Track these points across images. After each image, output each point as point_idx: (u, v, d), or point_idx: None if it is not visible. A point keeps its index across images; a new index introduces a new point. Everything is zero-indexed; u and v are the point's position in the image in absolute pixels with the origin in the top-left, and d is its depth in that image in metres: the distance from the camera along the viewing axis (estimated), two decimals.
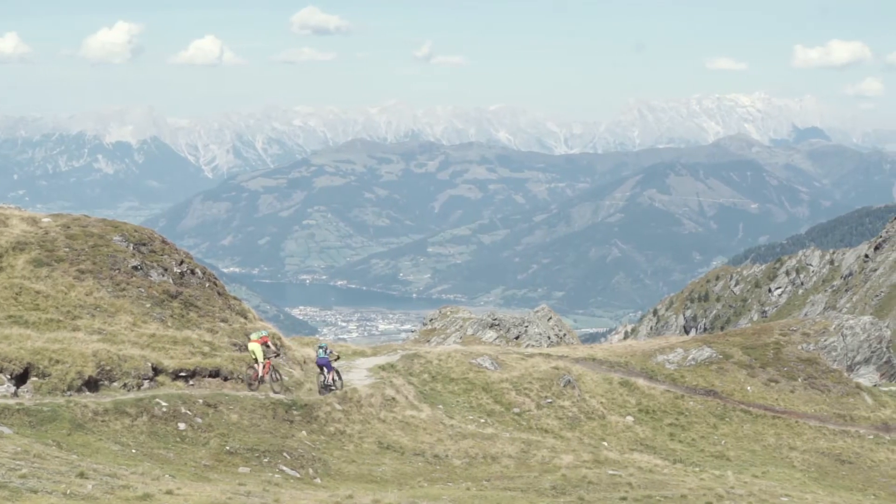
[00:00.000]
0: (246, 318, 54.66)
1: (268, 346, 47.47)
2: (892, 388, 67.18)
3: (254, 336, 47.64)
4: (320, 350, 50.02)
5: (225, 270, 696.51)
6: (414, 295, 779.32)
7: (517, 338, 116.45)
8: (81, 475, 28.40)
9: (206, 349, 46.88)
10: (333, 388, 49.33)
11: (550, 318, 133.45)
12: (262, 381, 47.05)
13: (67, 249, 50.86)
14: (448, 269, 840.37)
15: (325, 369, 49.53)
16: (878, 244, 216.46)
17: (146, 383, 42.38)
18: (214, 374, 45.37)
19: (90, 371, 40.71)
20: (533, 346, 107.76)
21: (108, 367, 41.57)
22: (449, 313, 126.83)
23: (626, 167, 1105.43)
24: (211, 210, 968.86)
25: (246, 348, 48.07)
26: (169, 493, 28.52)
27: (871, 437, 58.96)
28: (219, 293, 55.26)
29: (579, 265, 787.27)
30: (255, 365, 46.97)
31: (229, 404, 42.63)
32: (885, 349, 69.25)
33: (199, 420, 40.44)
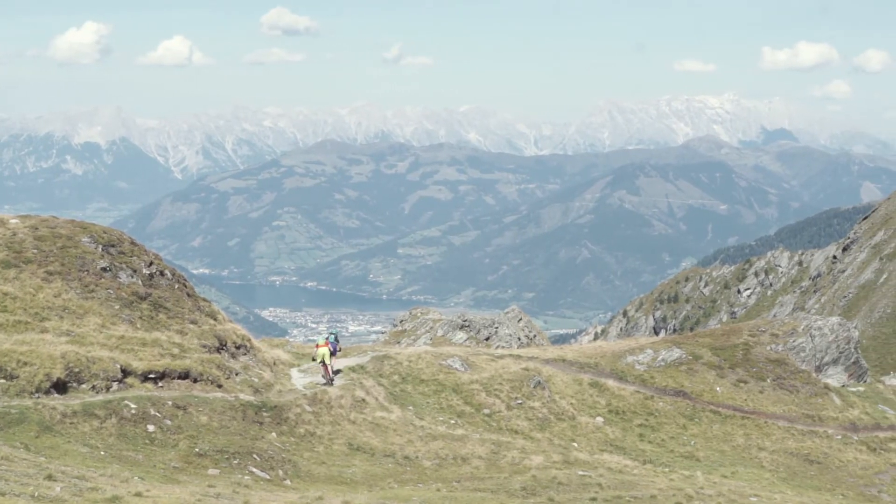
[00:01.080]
0: (215, 319, 54.45)
1: (328, 349, 53.19)
2: (860, 389, 67.50)
3: (320, 341, 53.78)
4: (332, 338, 54.75)
5: (194, 272, 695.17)
6: (384, 296, 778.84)
7: (487, 339, 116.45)
8: (50, 477, 28.24)
9: (176, 351, 46.68)
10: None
11: (520, 319, 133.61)
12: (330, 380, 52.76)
13: (35, 251, 50.53)
14: (418, 271, 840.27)
15: (334, 353, 54.26)
16: (846, 245, 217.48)
17: (115, 385, 42.12)
18: (184, 375, 45.17)
19: (58, 373, 40.45)
20: (503, 347, 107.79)
21: (76, 369, 41.32)
22: (419, 315, 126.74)
23: (595, 168, 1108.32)
24: (180, 211, 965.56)
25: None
26: (138, 495, 28.39)
27: (840, 437, 59.24)
28: (188, 295, 55.04)
29: (549, 266, 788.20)
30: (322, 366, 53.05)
31: (199, 406, 42.48)
32: (853, 350, 69.54)
33: (169, 422, 40.27)
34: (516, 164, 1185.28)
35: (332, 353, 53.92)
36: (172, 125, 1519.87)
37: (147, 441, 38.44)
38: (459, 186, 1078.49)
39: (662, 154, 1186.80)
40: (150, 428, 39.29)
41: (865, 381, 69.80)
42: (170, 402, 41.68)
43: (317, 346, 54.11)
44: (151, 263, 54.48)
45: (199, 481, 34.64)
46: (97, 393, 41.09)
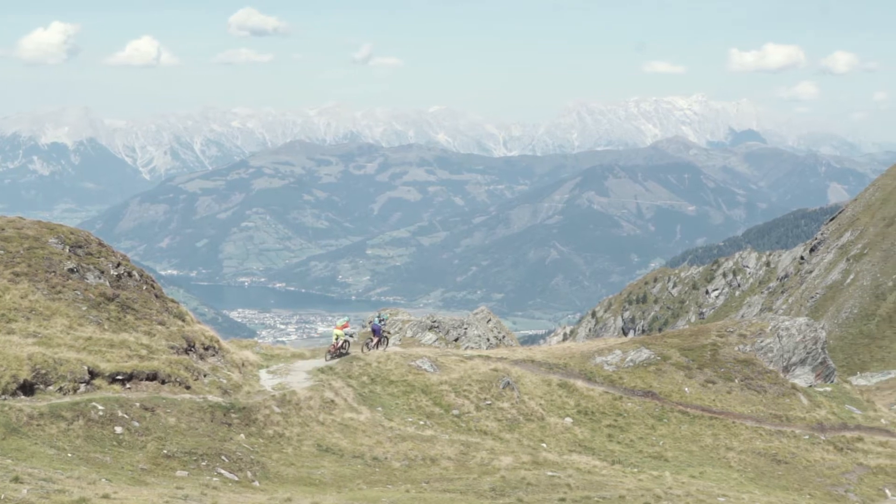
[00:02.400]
0: (184, 320, 54.24)
1: (346, 331, 61.08)
2: (828, 389, 67.84)
3: (339, 322, 61.70)
4: (377, 319, 65.09)
5: (162, 273, 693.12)
6: (353, 297, 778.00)
7: (456, 340, 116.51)
8: (16, 479, 28.09)
9: (144, 352, 46.45)
10: (372, 348, 62.44)
11: (489, 319, 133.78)
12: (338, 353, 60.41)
13: (2, 252, 50.21)
14: (387, 272, 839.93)
15: (375, 335, 63.64)
16: (813, 246, 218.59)
17: (82, 387, 41.90)
18: (152, 377, 44.95)
19: (25, 375, 40.20)
20: (472, 348, 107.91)
21: (43, 371, 41.09)
22: (388, 316, 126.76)
23: (564, 169, 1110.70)
24: (148, 212, 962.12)
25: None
26: (105, 497, 28.27)
27: (807, 437, 59.51)
28: (156, 296, 54.80)
29: (518, 267, 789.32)
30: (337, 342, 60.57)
31: (167, 408, 42.32)
32: (820, 350, 69.86)
33: (137, 424, 40.09)
34: (485, 165, 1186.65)
35: (378, 331, 64.02)
36: (140, 126, 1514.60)
37: (115, 443, 38.25)
38: (428, 187, 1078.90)
39: (631, 155, 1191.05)
40: (118, 430, 39.11)
41: (832, 382, 70.11)
42: (138, 404, 41.50)
43: (336, 326, 61.39)
44: (119, 264, 54.23)
45: (167, 483, 34.52)
46: (64, 394, 40.86)
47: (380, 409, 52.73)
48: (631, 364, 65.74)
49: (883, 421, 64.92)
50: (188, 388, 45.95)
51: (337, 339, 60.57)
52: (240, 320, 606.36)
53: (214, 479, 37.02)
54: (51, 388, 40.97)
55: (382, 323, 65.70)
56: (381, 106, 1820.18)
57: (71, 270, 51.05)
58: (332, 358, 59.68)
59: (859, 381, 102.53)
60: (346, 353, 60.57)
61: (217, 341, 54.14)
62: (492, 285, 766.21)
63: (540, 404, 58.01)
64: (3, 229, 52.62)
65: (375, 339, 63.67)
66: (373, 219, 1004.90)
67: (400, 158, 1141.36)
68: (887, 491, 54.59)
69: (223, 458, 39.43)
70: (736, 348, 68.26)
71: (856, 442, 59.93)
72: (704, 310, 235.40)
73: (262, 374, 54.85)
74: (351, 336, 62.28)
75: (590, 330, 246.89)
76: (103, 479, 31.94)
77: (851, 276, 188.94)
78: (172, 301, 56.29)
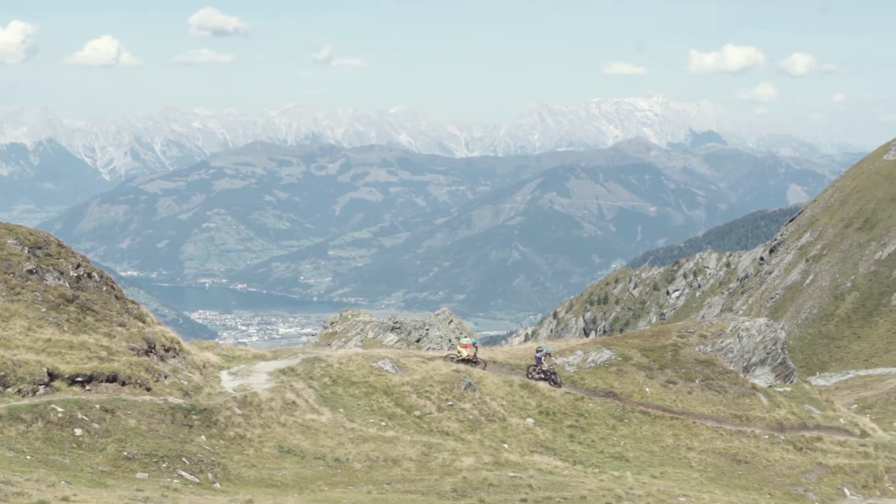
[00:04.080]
0: (144, 322, 53.97)
1: (470, 350, 64.57)
2: (787, 389, 68.19)
3: (463, 340, 66.53)
4: (538, 352, 64.42)
5: (123, 274, 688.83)
6: (314, 298, 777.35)
7: (418, 341, 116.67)
8: None
9: (104, 354, 46.20)
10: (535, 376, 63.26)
11: (451, 320, 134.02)
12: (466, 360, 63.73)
13: None
14: (349, 273, 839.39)
15: (537, 362, 63.71)
16: (773, 247, 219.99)
17: (42, 389, 41.64)
18: (112, 378, 44.71)
19: None
20: (434, 348, 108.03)
21: (1, 373, 40.83)
22: (350, 317, 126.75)
23: (526, 170, 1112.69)
24: (108, 213, 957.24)
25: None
26: (65, 499, 28.12)
27: (767, 437, 59.81)
28: (116, 297, 54.49)
29: (480, 268, 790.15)
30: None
31: (127, 409, 42.11)
32: (780, 350, 70.20)
33: (97, 425, 39.88)
34: (447, 165, 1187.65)
35: (538, 364, 63.74)
36: (100, 126, 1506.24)
37: (74, 445, 38.04)
38: (390, 188, 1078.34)
39: (592, 156, 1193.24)
40: (78, 432, 38.89)
41: (792, 382, 70.49)
42: (97, 406, 41.28)
43: (461, 345, 65.83)
44: (79, 265, 53.90)
45: (128, 485, 34.36)
46: (23, 396, 40.61)
47: (341, 410, 52.64)
48: (592, 365, 65.90)
49: (842, 421, 65.37)
50: (149, 389, 45.73)
51: (458, 354, 64.79)
52: (201, 322, 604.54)
53: (175, 480, 36.87)
54: (9, 389, 40.71)
55: (544, 355, 63.81)
56: (342, 107, 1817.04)
57: (30, 272, 50.71)
58: (457, 362, 63.54)
59: (819, 381, 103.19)
60: (476, 362, 64.06)
61: (178, 343, 53.90)
62: (453, 286, 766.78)
63: (501, 405, 58.06)
64: None
65: (537, 368, 63.58)
66: (334, 220, 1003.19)
67: (362, 159, 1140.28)
68: (846, 490, 54.97)
69: (184, 459, 39.27)
70: (696, 349, 68.55)
71: (815, 442, 60.30)
72: (665, 310, 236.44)
73: (224, 375, 54.63)
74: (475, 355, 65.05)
75: (551, 331, 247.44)
76: (63, 482, 31.76)
77: (811, 277, 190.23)
78: (133, 302, 56.00)
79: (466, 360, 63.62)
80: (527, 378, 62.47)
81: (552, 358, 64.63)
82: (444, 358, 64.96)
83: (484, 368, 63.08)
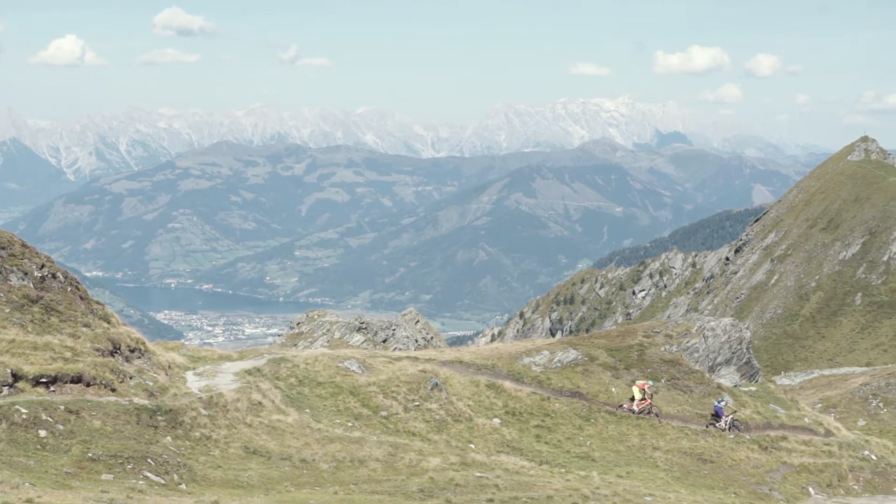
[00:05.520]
0: (109, 322, 53.68)
1: (645, 391, 61.46)
2: (752, 389, 68.47)
3: (638, 382, 62.22)
4: (716, 402, 62.00)
5: (88, 274, 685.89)
6: (281, 299, 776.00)
7: (385, 341, 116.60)
8: None
9: (68, 355, 45.93)
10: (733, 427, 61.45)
11: (418, 321, 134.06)
12: (635, 412, 61.00)
13: None
14: (315, 273, 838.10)
15: (718, 414, 61.39)
16: (738, 247, 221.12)
17: (5, 390, 41.36)
18: (77, 379, 44.45)
19: None
20: (400, 349, 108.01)
21: None
22: (316, 317, 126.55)
23: (492, 171, 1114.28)
24: (73, 213, 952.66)
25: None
26: (29, 501, 27.97)
27: (732, 436, 60.09)
28: (81, 298, 54.18)
29: (446, 268, 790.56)
30: (631, 402, 61.46)
31: (92, 410, 41.87)
32: (745, 350, 70.48)
33: (61, 427, 39.64)
34: (413, 166, 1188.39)
35: (720, 412, 61.32)
36: (65, 126, 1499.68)
37: (39, 446, 37.80)
38: (356, 188, 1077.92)
39: (559, 156, 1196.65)
40: (42, 433, 38.66)
41: (757, 381, 70.77)
42: (62, 407, 41.04)
43: (638, 385, 62.18)
44: (43, 266, 53.58)
45: (93, 487, 34.19)
46: None
47: (308, 410, 52.52)
48: (558, 365, 65.98)
49: (807, 420, 65.71)
50: (114, 390, 45.48)
51: (634, 398, 61.69)
52: (166, 322, 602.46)
53: (140, 482, 36.71)
54: None
55: (723, 404, 61.88)
56: (309, 107, 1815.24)
57: None
58: (636, 414, 61.10)
59: (783, 380, 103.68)
60: (657, 414, 61.25)
61: (143, 343, 53.63)
62: (420, 286, 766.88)
63: (468, 405, 58.06)
64: None
65: (721, 420, 61.37)
66: (301, 220, 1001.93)
67: (328, 159, 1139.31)
68: (811, 489, 55.27)
69: (149, 461, 39.09)
70: (662, 349, 68.75)
71: (780, 441, 60.59)
72: (631, 310, 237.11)
73: (189, 376, 54.38)
74: (651, 395, 62.26)
75: (518, 331, 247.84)
76: (27, 483, 31.58)
77: (776, 277, 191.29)
78: (98, 303, 55.69)
79: (639, 410, 61.29)
80: (706, 428, 60.94)
81: (730, 406, 62.96)
82: (618, 407, 61.65)
83: (657, 416, 60.96)
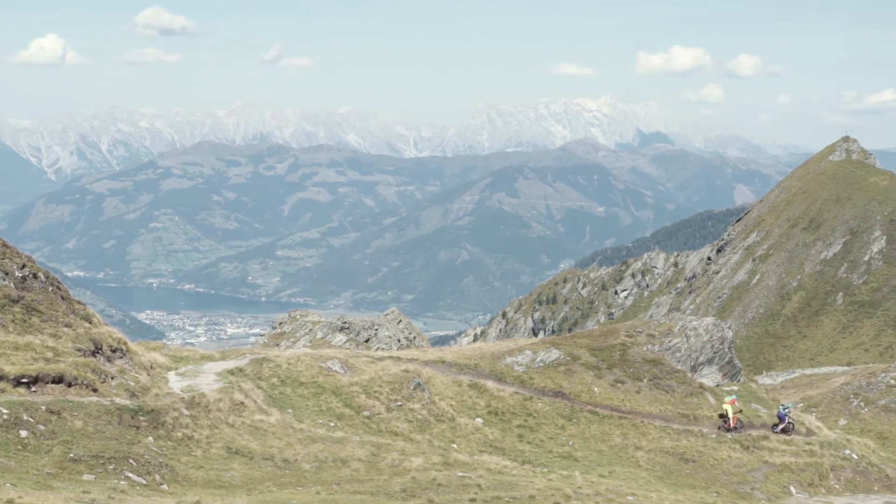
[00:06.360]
0: (91, 322, 53.50)
1: (735, 405, 62.28)
2: (734, 388, 68.57)
3: (727, 399, 62.57)
4: (781, 407, 64.39)
5: (69, 274, 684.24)
6: (263, 298, 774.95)
7: (367, 341, 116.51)
8: None
9: (50, 355, 45.77)
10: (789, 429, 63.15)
11: (400, 321, 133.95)
12: (730, 429, 61.23)
13: None
14: (297, 273, 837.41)
15: (781, 421, 63.12)
16: (720, 247, 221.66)
17: None
18: (58, 380, 44.30)
19: None
20: (383, 349, 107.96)
21: None
22: (298, 317, 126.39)
23: (475, 171, 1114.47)
24: (54, 213, 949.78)
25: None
26: (10, 502, 27.87)
27: (714, 435, 60.19)
28: (62, 298, 54.00)
29: (429, 268, 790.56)
30: (726, 418, 61.80)
31: (73, 411, 41.74)
32: (727, 350, 70.58)
33: (42, 427, 39.51)
34: (396, 165, 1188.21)
35: (782, 417, 63.19)
36: (46, 125, 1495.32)
37: (20, 447, 37.66)
38: (339, 188, 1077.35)
39: (541, 156, 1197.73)
40: (23, 433, 38.52)
41: (739, 381, 70.87)
42: (43, 407, 40.91)
43: (727, 402, 62.49)
44: (24, 266, 53.39)
45: (74, 487, 34.09)
46: None
47: (290, 410, 52.44)
48: (541, 364, 66.00)
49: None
50: (95, 390, 45.33)
51: (726, 413, 61.94)
52: (148, 322, 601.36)
53: (122, 482, 36.61)
54: None
55: (787, 410, 64.18)
56: (291, 107, 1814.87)
57: None
58: (727, 432, 61.15)
59: (765, 380, 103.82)
60: (741, 429, 61.66)
61: (125, 343, 53.48)
62: (402, 286, 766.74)
63: (451, 405, 58.04)
64: None
65: (781, 425, 63.15)
66: (283, 220, 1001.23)
67: (310, 159, 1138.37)
68: (792, 488, 55.41)
69: (131, 461, 38.98)
70: (644, 348, 68.81)
71: (762, 440, 60.73)
72: (614, 310, 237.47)
73: (171, 376, 54.25)
74: (739, 411, 62.93)
75: (500, 330, 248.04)
76: (8, 484, 31.47)
77: (757, 277, 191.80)
78: (79, 303, 55.51)
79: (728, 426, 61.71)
80: (772, 432, 62.62)
81: (795, 411, 64.99)
82: (718, 429, 61.72)
83: (738, 430, 61.50)
